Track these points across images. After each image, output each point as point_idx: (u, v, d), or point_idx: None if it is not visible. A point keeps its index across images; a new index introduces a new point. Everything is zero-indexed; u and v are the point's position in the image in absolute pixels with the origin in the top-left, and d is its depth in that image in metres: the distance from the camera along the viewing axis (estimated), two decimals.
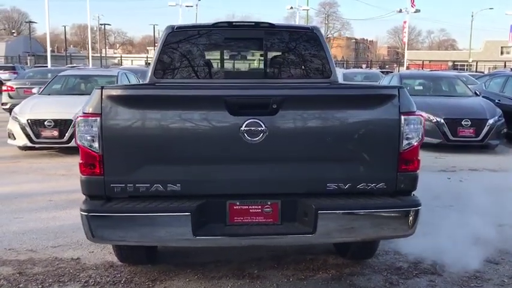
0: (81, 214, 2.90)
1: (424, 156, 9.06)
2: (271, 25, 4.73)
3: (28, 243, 4.52)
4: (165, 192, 2.96)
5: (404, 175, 3.08)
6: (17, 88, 14.18)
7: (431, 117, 9.49)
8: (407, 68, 48.03)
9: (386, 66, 50.82)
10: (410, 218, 3.02)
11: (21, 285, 3.66)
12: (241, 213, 3.04)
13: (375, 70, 23.38)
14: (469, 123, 9.49)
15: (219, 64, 4.98)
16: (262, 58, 4.98)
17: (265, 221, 3.05)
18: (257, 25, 4.73)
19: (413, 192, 3.18)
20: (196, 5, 51.16)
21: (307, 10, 42.82)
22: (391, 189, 3.09)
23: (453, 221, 5.05)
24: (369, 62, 58.92)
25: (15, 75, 24.85)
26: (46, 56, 51.07)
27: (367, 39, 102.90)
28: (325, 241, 3.44)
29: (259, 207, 3.04)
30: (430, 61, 57.35)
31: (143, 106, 2.89)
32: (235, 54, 5.03)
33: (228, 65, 4.99)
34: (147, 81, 4.76)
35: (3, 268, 3.96)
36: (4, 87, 14.72)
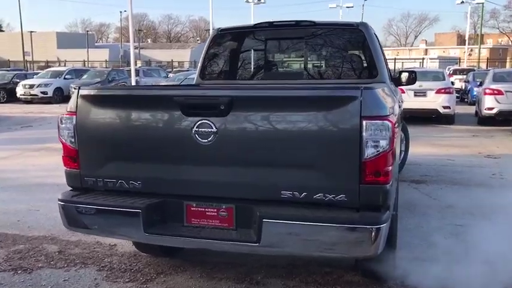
0: (58, 203, 3.20)
1: None
2: (312, 23, 4.53)
3: None
4: (129, 188, 3.10)
5: (369, 188, 2.71)
6: None
7: None
8: None
9: None
10: (370, 236, 2.65)
11: (52, 262, 4.17)
12: (198, 215, 3.01)
13: None
14: None
15: (261, 64, 4.93)
16: (303, 58, 4.79)
17: (221, 225, 2.98)
18: (298, 24, 4.57)
19: (385, 209, 2.77)
20: (363, 5, 50.30)
21: (482, 3, 38.72)
22: (354, 203, 2.74)
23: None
24: None
25: None
26: None
27: None
28: (271, 252, 3.18)
29: (215, 210, 2.98)
30: None
31: (105, 105, 3.08)
32: (276, 55, 4.93)
33: (269, 65, 4.91)
34: (194, 82, 4.97)
35: (51, 246, 4.54)
36: None
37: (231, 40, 4.91)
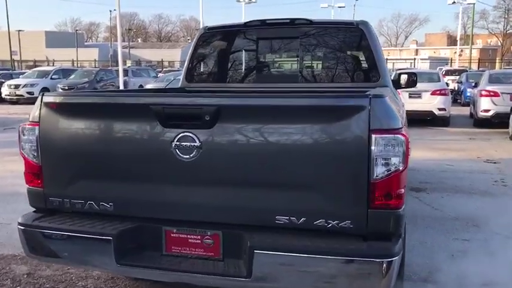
0: (17, 227, 2.78)
1: None
2: (309, 21, 4.13)
3: None
4: (99, 211, 2.69)
5: (378, 213, 2.32)
6: None
7: None
8: None
9: None
10: (381, 270, 2.25)
11: (19, 287, 3.73)
12: (179, 242, 2.60)
13: None
14: None
15: (252, 67, 4.52)
16: (297, 60, 4.39)
17: (206, 255, 2.57)
18: (292, 22, 4.17)
19: (397, 237, 2.38)
20: (354, 6, 50.09)
21: (473, 4, 38.56)
22: (361, 230, 2.35)
23: None
24: None
25: None
26: None
27: None
28: None
29: (199, 237, 2.58)
30: None
31: (73, 115, 2.66)
32: (268, 56, 4.52)
33: (261, 67, 4.50)
34: (179, 85, 4.56)
35: (20, 267, 4.10)
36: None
37: (219, 39, 4.50)
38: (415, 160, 7.99)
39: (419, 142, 10.24)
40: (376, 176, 2.28)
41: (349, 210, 2.34)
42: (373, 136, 2.25)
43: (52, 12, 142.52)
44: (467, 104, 17.84)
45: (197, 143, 2.44)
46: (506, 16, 78.06)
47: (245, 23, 4.32)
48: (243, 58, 4.56)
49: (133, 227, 2.61)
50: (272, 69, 4.56)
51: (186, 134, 2.45)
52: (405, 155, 2.29)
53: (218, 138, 2.43)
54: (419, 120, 13.11)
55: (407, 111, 11.52)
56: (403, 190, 2.33)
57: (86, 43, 79.39)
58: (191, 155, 2.45)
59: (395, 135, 2.27)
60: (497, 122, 12.66)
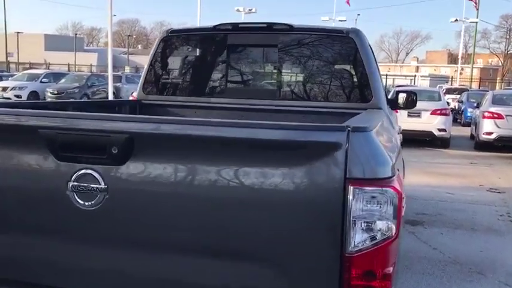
0: None
1: None
2: (289, 27, 3.43)
3: None
4: None
5: None
6: None
7: None
8: None
9: None
10: None
11: None
12: None
13: None
14: None
15: (220, 78, 3.78)
16: (275, 71, 3.68)
17: None
18: (270, 27, 3.47)
19: None
20: (356, 20, 49.69)
21: (476, 23, 38.06)
22: None
23: None
24: None
25: None
26: None
27: None
28: None
29: None
30: None
31: None
32: (241, 66, 3.79)
33: (232, 79, 3.76)
34: (136, 97, 3.84)
35: None
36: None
37: (184, 45, 3.80)
38: (412, 186, 7.28)
39: (417, 165, 9.55)
40: (354, 246, 1.56)
41: None
42: (351, 188, 1.53)
43: (54, 16, 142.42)
44: (467, 124, 17.20)
45: (101, 185, 1.72)
46: (508, 37, 77.91)
47: (214, 26, 3.61)
48: (211, 67, 3.83)
49: None
50: (244, 82, 3.82)
51: (87, 171, 1.73)
52: (397, 217, 1.57)
53: (131, 179, 1.71)
54: (418, 140, 12.44)
55: (405, 130, 10.80)
56: (391, 269, 1.60)
57: (86, 47, 78.96)
58: (93, 201, 1.73)
59: (383, 188, 1.55)
60: (500, 145, 11.97)
